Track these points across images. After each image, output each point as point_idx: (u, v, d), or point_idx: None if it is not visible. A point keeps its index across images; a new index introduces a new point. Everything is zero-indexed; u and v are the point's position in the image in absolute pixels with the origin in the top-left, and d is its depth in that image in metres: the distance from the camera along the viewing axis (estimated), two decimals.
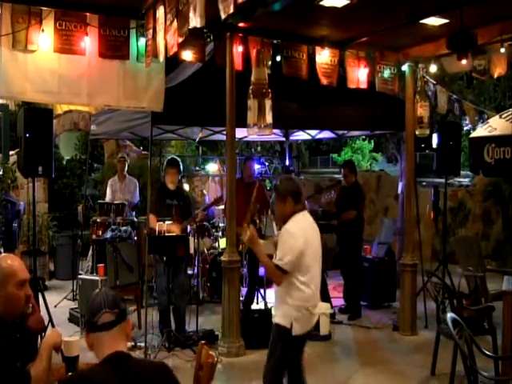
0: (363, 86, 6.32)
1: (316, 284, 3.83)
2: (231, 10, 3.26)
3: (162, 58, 4.75)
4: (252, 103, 4.59)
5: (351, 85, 6.25)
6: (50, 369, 2.47)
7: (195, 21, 3.62)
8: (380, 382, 5.13)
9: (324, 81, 6.11)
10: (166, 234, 5.77)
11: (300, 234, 3.71)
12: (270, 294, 7.03)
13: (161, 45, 4.62)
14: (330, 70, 6.12)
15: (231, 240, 5.69)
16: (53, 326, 5.09)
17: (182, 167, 6.32)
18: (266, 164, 12.24)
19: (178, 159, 6.39)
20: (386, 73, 6.38)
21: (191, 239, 6.23)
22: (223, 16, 3.36)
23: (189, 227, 6.43)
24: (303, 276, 3.70)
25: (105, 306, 2.08)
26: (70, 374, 2.47)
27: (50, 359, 2.48)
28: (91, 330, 2.09)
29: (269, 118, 4.61)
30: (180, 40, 4.13)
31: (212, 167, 10.62)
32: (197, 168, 12.78)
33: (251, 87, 4.65)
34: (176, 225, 6.00)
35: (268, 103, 4.61)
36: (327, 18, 5.39)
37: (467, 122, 8.40)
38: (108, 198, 8.14)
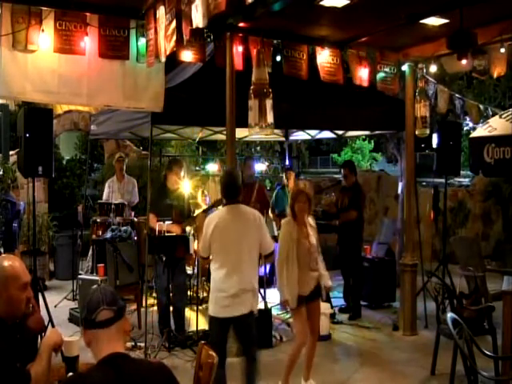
0: (365, 84, 6.30)
1: (230, 270, 4.06)
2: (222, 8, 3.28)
3: (163, 58, 4.76)
4: (253, 103, 4.61)
5: (357, 81, 6.25)
6: (49, 369, 2.46)
7: (198, 21, 3.62)
8: (380, 381, 5.12)
9: (329, 80, 6.10)
10: (166, 234, 5.77)
11: (210, 222, 4.16)
12: (270, 293, 7.03)
13: (161, 45, 4.63)
14: (333, 69, 6.11)
15: None
16: (53, 326, 5.09)
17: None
18: (266, 164, 12.23)
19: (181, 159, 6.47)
20: (387, 73, 6.38)
21: (191, 239, 6.23)
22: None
23: (188, 228, 6.44)
24: (215, 262, 4.14)
25: (103, 302, 2.05)
26: (69, 374, 2.47)
27: (50, 359, 2.48)
28: (89, 327, 2.07)
29: (270, 118, 4.63)
30: (186, 38, 4.13)
31: (212, 167, 10.61)
32: (197, 168, 12.76)
33: (252, 87, 4.66)
34: (176, 225, 6.01)
35: (269, 103, 4.62)
36: (327, 17, 5.39)
37: (468, 121, 8.39)
38: (104, 199, 8.11)
